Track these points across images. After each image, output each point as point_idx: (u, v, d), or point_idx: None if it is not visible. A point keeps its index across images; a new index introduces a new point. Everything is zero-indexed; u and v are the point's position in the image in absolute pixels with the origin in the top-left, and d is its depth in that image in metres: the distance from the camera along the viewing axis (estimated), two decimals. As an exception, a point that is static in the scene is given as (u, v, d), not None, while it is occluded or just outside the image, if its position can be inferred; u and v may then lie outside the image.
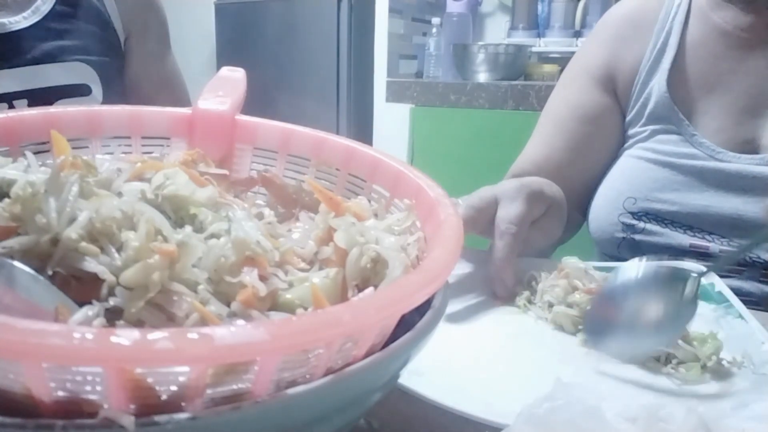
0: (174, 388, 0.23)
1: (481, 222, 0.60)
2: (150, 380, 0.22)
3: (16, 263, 0.28)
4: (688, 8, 0.79)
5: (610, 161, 0.82)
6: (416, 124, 1.84)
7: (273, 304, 0.30)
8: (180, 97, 1.00)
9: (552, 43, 2.16)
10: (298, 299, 0.30)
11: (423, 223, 0.37)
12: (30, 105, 0.78)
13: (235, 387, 0.24)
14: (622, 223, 0.77)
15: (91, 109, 0.46)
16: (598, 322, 0.48)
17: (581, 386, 0.40)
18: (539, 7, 2.21)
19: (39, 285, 0.27)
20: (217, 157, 0.46)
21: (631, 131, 0.82)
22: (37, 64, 0.79)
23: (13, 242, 0.28)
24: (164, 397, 0.23)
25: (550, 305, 0.55)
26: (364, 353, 0.27)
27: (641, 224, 0.76)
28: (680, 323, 0.46)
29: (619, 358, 0.46)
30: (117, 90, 0.89)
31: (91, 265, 0.28)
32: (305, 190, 0.44)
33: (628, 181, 0.78)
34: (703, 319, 0.55)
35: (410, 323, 0.29)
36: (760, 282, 0.71)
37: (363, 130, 2.51)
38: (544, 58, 2.19)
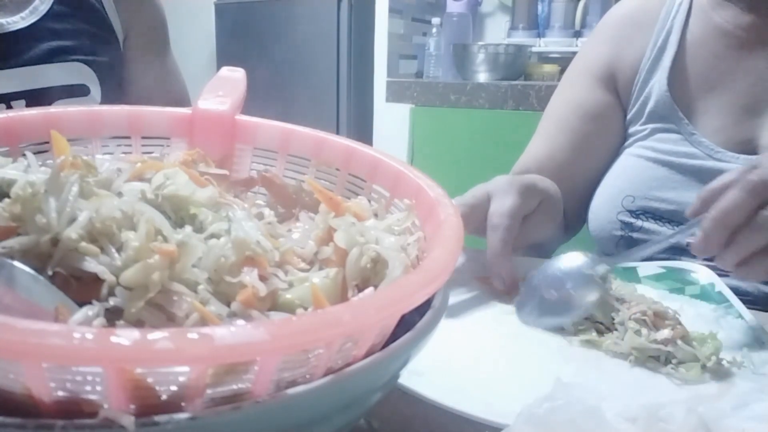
0: (174, 388, 0.23)
1: (474, 219, 0.60)
2: (150, 380, 0.22)
3: (16, 263, 0.28)
4: (689, 7, 0.79)
5: (611, 160, 0.83)
6: (416, 124, 1.84)
7: (273, 304, 0.30)
8: (179, 97, 1.00)
9: (552, 43, 2.16)
10: (298, 299, 0.30)
11: (423, 223, 0.37)
12: (28, 105, 0.78)
13: (235, 387, 0.24)
14: (621, 221, 0.77)
15: (91, 109, 0.46)
16: (523, 300, 0.57)
17: (581, 386, 0.40)
18: (539, 7, 2.21)
19: (39, 285, 0.27)
20: (217, 157, 0.46)
21: (631, 129, 0.82)
22: (36, 64, 0.79)
23: (13, 242, 0.28)
24: (164, 397, 0.23)
25: (550, 305, 0.55)
26: (364, 353, 0.27)
27: (639, 222, 0.76)
28: (583, 302, 0.53)
29: (540, 327, 0.53)
30: (116, 90, 0.89)
31: (91, 265, 0.28)
32: (305, 190, 0.44)
33: (627, 179, 0.78)
34: (703, 319, 0.55)
35: (410, 323, 0.29)
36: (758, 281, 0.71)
37: (363, 130, 2.51)
38: (544, 58, 2.19)
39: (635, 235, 0.76)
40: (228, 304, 0.29)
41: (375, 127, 2.49)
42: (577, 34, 2.13)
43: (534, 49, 2.15)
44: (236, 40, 2.72)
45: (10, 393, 0.22)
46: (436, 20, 2.25)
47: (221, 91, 0.48)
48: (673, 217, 0.74)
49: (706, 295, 0.60)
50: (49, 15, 0.82)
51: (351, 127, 2.58)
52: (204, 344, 0.21)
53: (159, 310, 0.27)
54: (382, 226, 0.37)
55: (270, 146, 0.47)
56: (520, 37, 2.19)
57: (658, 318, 0.50)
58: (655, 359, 0.48)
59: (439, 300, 0.32)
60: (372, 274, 0.34)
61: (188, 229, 0.31)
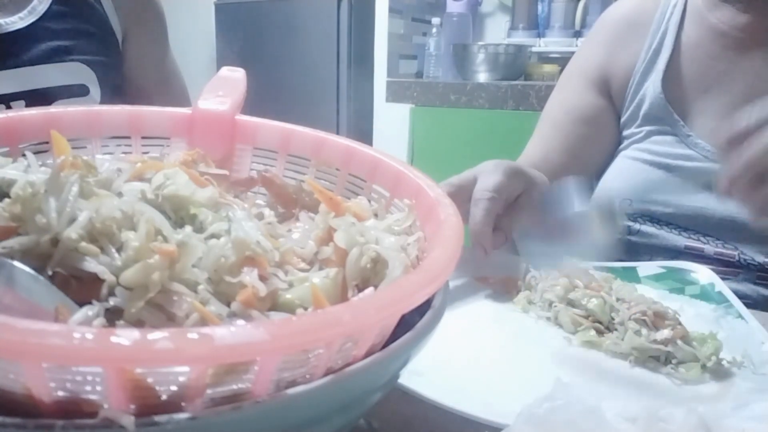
0: (174, 388, 0.23)
1: (460, 199, 0.60)
2: (150, 380, 0.22)
3: (16, 263, 0.28)
4: (684, 9, 0.79)
5: (606, 162, 0.83)
6: (416, 124, 1.84)
7: (273, 304, 0.30)
8: (179, 97, 1.00)
9: (552, 43, 2.16)
10: (298, 299, 0.30)
11: (423, 223, 0.37)
12: (27, 106, 0.78)
13: (235, 387, 0.24)
14: None
15: (91, 109, 0.46)
16: (526, 227, 0.55)
17: (581, 386, 0.40)
18: (539, 7, 2.21)
19: (39, 285, 0.27)
20: (217, 157, 0.46)
21: (626, 132, 0.82)
22: (34, 64, 0.79)
23: (13, 242, 0.28)
24: (164, 397, 0.23)
25: (551, 304, 0.55)
26: (364, 353, 0.27)
27: (637, 225, 0.76)
28: (593, 229, 0.50)
29: (535, 262, 0.52)
30: (115, 90, 0.89)
31: (91, 265, 0.28)
32: (305, 190, 0.44)
33: (624, 182, 0.78)
34: (703, 319, 0.55)
35: (410, 323, 0.29)
36: (756, 284, 0.71)
37: (363, 130, 2.51)
38: (544, 58, 2.19)
39: (633, 238, 0.76)
40: (228, 304, 0.29)
41: (375, 127, 2.49)
42: (577, 34, 2.13)
43: (534, 49, 2.15)
44: (236, 40, 2.72)
45: (10, 393, 0.22)
46: (436, 20, 2.25)
47: (221, 91, 0.48)
48: (671, 220, 0.74)
49: (706, 295, 0.60)
50: (47, 15, 0.81)
51: (351, 127, 2.57)
52: (204, 344, 0.21)
53: (159, 310, 0.27)
54: (382, 226, 0.37)
55: (270, 146, 0.47)
56: (520, 37, 2.19)
57: (658, 318, 0.50)
58: (655, 359, 0.48)
59: (439, 300, 0.32)
60: (372, 274, 0.34)
61: (188, 229, 0.31)
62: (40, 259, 0.28)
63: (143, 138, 0.46)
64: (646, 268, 0.65)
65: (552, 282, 0.56)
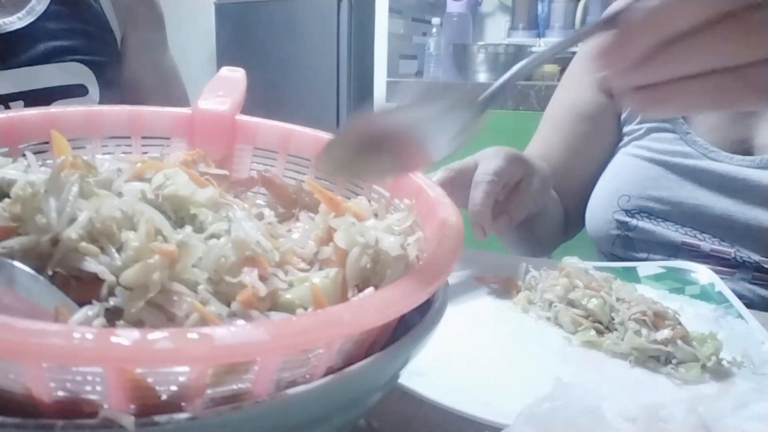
0: (174, 388, 0.23)
1: (460, 183, 0.60)
2: (150, 380, 0.22)
3: (17, 263, 0.28)
4: None
5: (607, 160, 0.83)
6: (416, 124, 1.83)
7: (273, 304, 0.30)
8: (178, 97, 1.00)
9: (552, 43, 2.16)
10: (298, 299, 0.30)
11: (423, 223, 0.37)
12: (26, 106, 0.78)
13: (235, 387, 0.24)
14: (617, 220, 0.77)
15: (91, 109, 0.46)
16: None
17: (581, 386, 0.40)
18: (539, 7, 2.21)
19: (39, 285, 0.27)
20: (217, 157, 0.46)
21: (626, 129, 0.82)
22: (33, 64, 0.79)
23: (13, 242, 0.28)
24: (164, 397, 0.23)
25: (551, 304, 0.55)
26: (364, 353, 0.27)
27: (635, 222, 0.76)
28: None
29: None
30: (114, 90, 0.89)
31: (91, 265, 0.28)
32: (305, 190, 0.44)
33: (623, 178, 0.78)
34: (703, 319, 0.55)
35: (410, 323, 0.29)
36: (752, 284, 0.71)
37: (363, 130, 2.50)
38: (544, 58, 2.19)
39: (631, 234, 0.77)
40: (228, 305, 0.29)
41: (375, 127, 2.48)
42: (577, 34, 2.13)
43: (534, 49, 2.15)
44: (236, 40, 2.72)
45: (10, 393, 0.22)
46: (436, 20, 2.25)
47: (221, 91, 0.48)
48: (668, 217, 0.75)
49: (706, 295, 0.60)
50: (46, 15, 0.81)
51: (351, 127, 2.57)
52: (204, 344, 0.21)
53: (159, 310, 0.27)
54: (382, 226, 0.37)
55: (270, 146, 0.47)
56: (520, 37, 2.19)
57: (658, 318, 0.50)
58: (655, 359, 0.48)
59: (439, 300, 0.32)
60: (372, 274, 0.34)
61: (188, 229, 0.31)
62: (40, 259, 0.28)
63: (143, 138, 0.46)
64: (646, 268, 0.65)
65: (552, 282, 0.56)
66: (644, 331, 0.49)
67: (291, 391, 0.24)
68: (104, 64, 0.87)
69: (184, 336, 0.21)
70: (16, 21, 0.79)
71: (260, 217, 0.38)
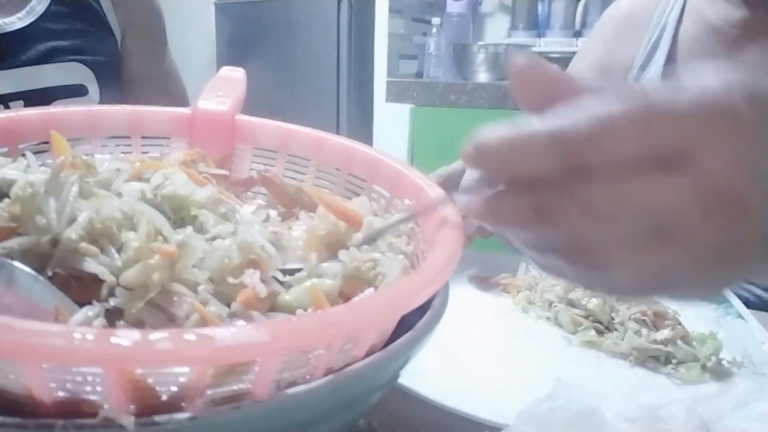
0: (174, 388, 0.23)
1: (448, 188, 0.60)
2: (150, 381, 0.22)
3: (17, 263, 0.28)
4: (683, 5, 0.80)
5: None
6: (416, 124, 1.84)
7: (273, 306, 0.30)
8: (178, 97, 1.00)
9: (552, 43, 2.16)
10: (296, 301, 0.30)
11: (423, 223, 0.37)
12: (26, 106, 0.78)
13: (235, 387, 0.24)
14: None
15: (91, 109, 0.46)
16: None
17: (581, 386, 0.40)
18: (539, 7, 2.21)
19: (39, 285, 0.27)
20: (217, 157, 0.46)
21: None
22: (33, 64, 0.79)
23: (13, 243, 0.28)
24: (164, 397, 0.23)
25: (551, 304, 0.55)
26: (364, 353, 0.27)
27: None
28: None
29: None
30: (114, 90, 0.89)
31: (91, 265, 0.28)
32: (305, 190, 0.43)
33: None
34: (703, 319, 0.55)
35: (410, 323, 0.29)
36: (751, 284, 0.71)
37: (363, 130, 2.51)
38: (544, 58, 2.18)
39: None
40: (228, 305, 0.29)
41: (375, 127, 2.49)
42: (577, 34, 2.13)
43: (534, 49, 2.15)
44: (236, 40, 2.72)
45: (10, 393, 0.22)
46: (436, 20, 2.25)
47: (221, 91, 0.48)
48: None
49: (706, 295, 0.60)
50: (46, 15, 0.81)
51: (351, 127, 2.57)
52: (204, 345, 0.21)
53: (159, 311, 0.27)
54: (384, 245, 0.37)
55: (270, 146, 0.47)
56: (520, 37, 2.18)
57: (658, 318, 0.50)
58: (655, 359, 0.48)
59: (439, 300, 0.32)
60: (372, 276, 0.33)
61: (189, 229, 0.31)
62: (40, 259, 0.28)
63: (143, 138, 0.46)
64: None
65: (552, 282, 0.56)
66: (644, 331, 0.49)
67: (291, 391, 0.24)
68: (104, 64, 0.87)
69: (184, 337, 0.21)
70: (16, 21, 0.79)
71: (267, 218, 0.38)
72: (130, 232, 0.29)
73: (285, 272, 0.32)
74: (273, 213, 0.39)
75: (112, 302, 0.27)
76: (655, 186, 0.24)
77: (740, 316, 0.54)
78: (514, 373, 0.46)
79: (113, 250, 0.29)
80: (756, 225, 0.24)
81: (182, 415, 0.22)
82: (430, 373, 0.41)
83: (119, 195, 0.34)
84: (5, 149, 0.40)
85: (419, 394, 0.40)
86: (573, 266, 0.28)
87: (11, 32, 0.78)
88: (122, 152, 0.45)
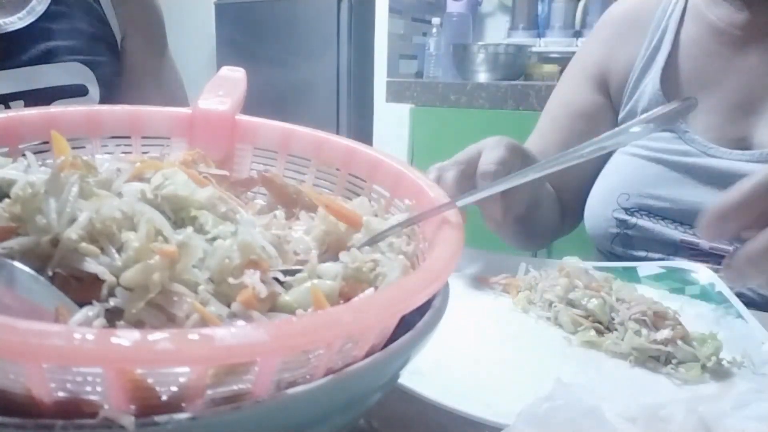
0: (174, 388, 0.23)
1: (469, 173, 0.61)
2: (150, 381, 0.22)
3: (17, 263, 0.28)
4: (684, 6, 0.80)
5: (603, 159, 0.83)
6: (416, 124, 1.84)
7: (273, 306, 0.30)
8: (178, 97, 1.00)
9: (552, 43, 2.16)
10: (296, 302, 0.30)
11: (423, 223, 0.37)
12: (26, 106, 0.78)
13: (235, 387, 0.24)
14: (616, 218, 0.78)
15: (91, 109, 0.46)
16: None
17: (581, 386, 0.40)
18: (539, 7, 2.21)
19: (39, 285, 0.27)
20: (217, 157, 0.46)
21: None
22: (33, 64, 0.79)
23: (14, 243, 0.28)
24: (164, 397, 0.23)
25: (551, 304, 0.55)
26: (364, 353, 0.27)
27: (634, 220, 0.77)
28: None
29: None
30: (114, 90, 0.89)
31: (91, 265, 0.28)
32: (305, 191, 0.44)
33: (622, 177, 0.79)
34: (703, 319, 0.55)
35: (410, 323, 0.29)
36: None
37: (363, 130, 2.51)
38: (544, 58, 2.19)
39: (630, 232, 0.77)
40: (228, 305, 0.29)
41: (375, 127, 2.49)
42: (577, 34, 2.13)
43: (534, 49, 2.15)
44: (236, 40, 2.72)
45: (10, 393, 0.22)
46: (436, 20, 2.25)
47: (221, 90, 0.48)
48: (667, 215, 0.75)
49: (706, 295, 0.60)
50: (46, 15, 0.81)
51: (351, 127, 2.58)
52: (204, 345, 0.21)
53: (159, 311, 0.27)
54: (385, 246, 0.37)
55: (270, 146, 0.47)
56: (520, 37, 2.18)
57: (658, 318, 0.50)
58: (655, 359, 0.48)
59: (439, 300, 0.32)
60: (372, 276, 0.33)
61: (189, 229, 0.31)
62: (40, 259, 0.28)
63: (143, 138, 0.46)
64: (646, 268, 0.65)
65: (552, 282, 0.56)
66: (644, 331, 0.49)
67: (291, 391, 0.24)
68: (104, 64, 0.87)
69: (184, 337, 0.21)
70: (16, 21, 0.79)
71: (271, 219, 0.38)
72: (130, 232, 0.29)
73: (285, 273, 0.32)
74: (279, 213, 0.39)
75: (112, 302, 0.27)
76: None
77: (740, 316, 0.54)
78: (514, 373, 0.46)
79: (113, 250, 0.29)
80: None
81: (182, 415, 0.22)
82: (430, 373, 0.41)
83: (119, 195, 0.34)
84: (5, 149, 0.40)
85: (419, 394, 0.40)
86: None
87: (11, 32, 0.78)
88: (122, 152, 0.45)
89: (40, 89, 0.79)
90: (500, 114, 1.69)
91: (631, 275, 0.63)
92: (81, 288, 0.28)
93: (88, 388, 0.22)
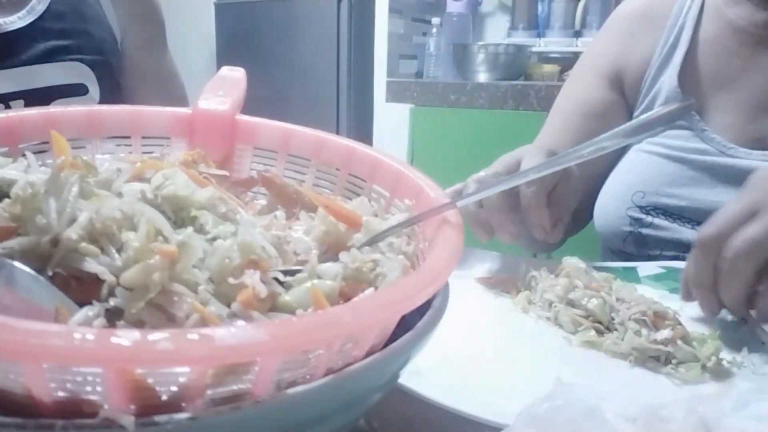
0: (174, 388, 0.23)
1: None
2: (150, 381, 0.22)
3: (17, 263, 0.28)
4: (702, 4, 0.79)
5: (615, 158, 0.82)
6: (416, 124, 1.84)
7: (273, 306, 0.30)
8: (177, 97, 1.00)
9: (552, 43, 2.16)
10: (296, 302, 0.30)
11: (423, 224, 0.37)
12: (27, 105, 0.78)
13: (235, 387, 0.24)
14: (630, 216, 0.76)
15: (91, 108, 0.46)
16: None
17: (581, 386, 0.40)
18: (539, 7, 2.21)
19: (39, 285, 0.27)
20: (217, 157, 0.46)
21: None
22: (34, 64, 0.79)
23: (14, 243, 0.28)
24: (164, 397, 0.23)
25: (551, 304, 0.55)
26: (364, 353, 0.27)
27: (649, 218, 0.75)
28: None
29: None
30: (114, 89, 0.89)
31: (91, 265, 0.28)
32: (304, 192, 0.44)
33: (638, 175, 0.77)
34: (703, 319, 0.55)
35: (410, 323, 0.29)
36: None
37: (363, 130, 2.51)
38: (544, 58, 2.19)
39: (645, 231, 0.76)
40: (228, 305, 0.29)
41: (375, 127, 2.49)
42: (577, 34, 2.13)
43: (534, 49, 2.15)
44: (236, 40, 2.73)
45: (10, 393, 0.22)
46: (436, 20, 2.25)
47: (221, 90, 0.48)
48: (683, 213, 0.74)
49: (706, 295, 0.60)
50: (46, 15, 0.82)
51: (351, 127, 2.58)
52: (204, 345, 0.21)
53: (159, 311, 0.27)
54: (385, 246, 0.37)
55: (270, 146, 0.47)
56: (520, 37, 2.18)
57: (658, 318, 0.50)
58: (655, 359, 0.48)
59: (439, 300, 0.32)
60: (372, 276, 0.33)
61: (189, 229, 0.31)
62: (40, 259, 0.28)
63: (143, 138, 0.46)
64: (646, 268, 0.65)
65: (552, 282, 0.56)
66: (644, 331, 0.49)
67: (291, 391, 0.24)
68: (104, 63, 0.87)
69: (184, 337, 0.21)
70: (16, 20, 0.79)
71: (270, 220, 0.38)
72: (130, 232, 0.29)
73: (285, 273, 0.32)
74: (280, 214, 0.39)
75: (112, 302, 0.27)
76: None
77: (740, 316, 0.55)
78: (514, 373, 0.46)
79: (113, 250, 0.29)
80: None
81: (182, 415, 0.22)
82: (430, 373, 0.41)
83: (119, 195, 0.34)
84: (5, 149, 0.40)
85: (419, 394, 0.40)
86: None
87: (11, 32, 0.78)
88: (122, 152, 0.45)
89: (40, 89, 0.79)
90: (500, 114, 1.69)
91: (631, 275, 0.63)
92: (81, 288, 0.28)
93: (88, 388, 0.22)
